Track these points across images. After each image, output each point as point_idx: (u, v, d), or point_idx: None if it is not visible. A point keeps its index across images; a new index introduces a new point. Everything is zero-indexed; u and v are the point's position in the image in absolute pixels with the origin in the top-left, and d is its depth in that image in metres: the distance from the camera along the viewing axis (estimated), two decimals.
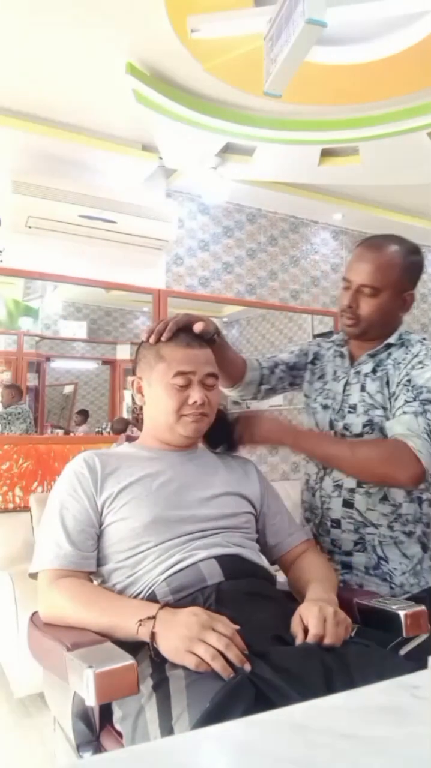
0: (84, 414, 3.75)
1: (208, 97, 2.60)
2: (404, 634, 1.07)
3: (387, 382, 1.33)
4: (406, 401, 1.27)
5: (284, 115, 2.69)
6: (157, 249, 3.33)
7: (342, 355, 1.48)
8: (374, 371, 1.37)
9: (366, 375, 1.38)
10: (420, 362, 1.30)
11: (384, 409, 1.32)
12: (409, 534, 1.34)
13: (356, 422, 1.36)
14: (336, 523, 1.38)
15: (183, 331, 1.24)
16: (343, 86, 2.44)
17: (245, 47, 2.19)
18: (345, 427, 1.37)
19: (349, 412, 1.38)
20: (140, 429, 1.34)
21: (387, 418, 1.30)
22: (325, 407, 1.44)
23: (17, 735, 2.06)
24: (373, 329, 1.38)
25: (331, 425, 1.42)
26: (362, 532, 1.35)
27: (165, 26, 2.15)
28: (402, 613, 1.08)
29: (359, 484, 1.35)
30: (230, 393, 1.57)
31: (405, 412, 1.25)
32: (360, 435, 1.34)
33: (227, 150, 2.96)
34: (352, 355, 1.46)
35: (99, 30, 2.23)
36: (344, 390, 1.41)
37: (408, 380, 1.28)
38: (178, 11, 2.07)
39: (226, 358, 1.43)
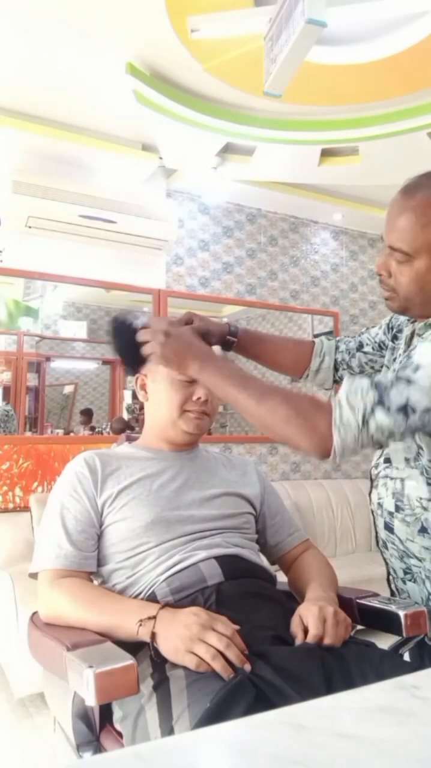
0: (88, 414, 3.74)
1: (208, 97, 2.60)
2: (404, 634, 1.07)
3: None
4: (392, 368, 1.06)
5: (284, 115, 2.69)
6: (157, 249, 3.33)
7: (410, 336, 1.16)
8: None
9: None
10: None
11: None
12: None
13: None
14: (385, 546, 1.22)
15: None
16: (343, 86, 2.44)
17: (245, 47, 2.19)
18: None
19: None
20: (140, 429, 1.34)
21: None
22: None
23: (17, 735, 2.06)
24: (414, 306, 1.07)
25: None
26: (407, 562, 1.16)
27: (165, 26, 2.15)
28: (402, 613, 1.08)
29: (397, 509, 1.14)
30: (302, 383, 1.35)
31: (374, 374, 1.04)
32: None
33: (227, 150, 2.96)
34: (412, 336, 1.16)
35: (99, 30, 2.23)
36: None
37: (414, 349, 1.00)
38: (178, 11, 2.07)
39: (268, 349, 1.27)
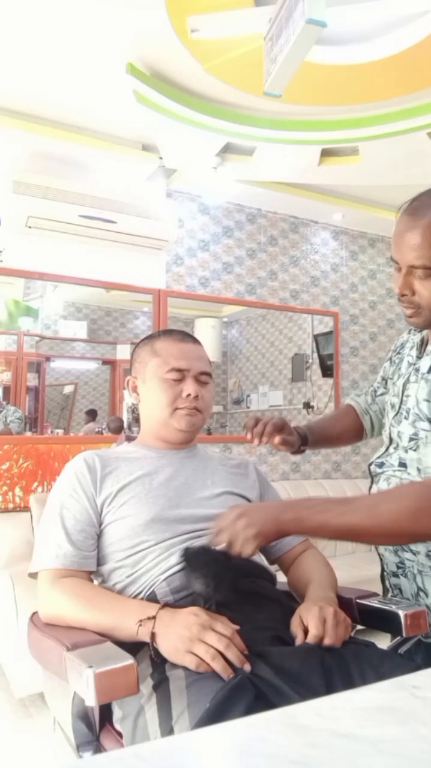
0: (92, 414, 3.73)
1: (208, 97, 2.60)
2: (404, 634, 1.07)
3: None
4: None
5: (284, 115, 2.69)
6: (157, 249, 3.33)
7: (420, 343, 1.20)
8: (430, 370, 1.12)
9: (424, 374, 1.12)
10: None
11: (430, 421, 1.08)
12: None
13: (405, 432, 1.14)
14: None
15: (178, 329, 1.29)
16: (343, 86, 2.44)
17: (245, 47, 2.19)
18: (398, 435, 1.17)
19: (404, 417, 1.15)
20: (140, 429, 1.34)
21: None
22: (392, 406, 1.22)
23: (17, 735, 2.06)
24: None
25: (389, 430, 1.22)
26: (401, 556, 1.18)
27: (165, 26, 2.14)
28: (402, 613, 1.08)
29: None
30: (365, 441, 1.46)
31: None
32: (406, 450, 1.14)
33: (227, 150, 2.96)
34: (425, 343, 1.18)
35: (99, 30, 2.23)
36: (403, 389, 1.18)
37: None
38: (178, 11, 2.07)
39: (335, 437, 1.39)
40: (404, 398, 1.16)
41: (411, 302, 1.08)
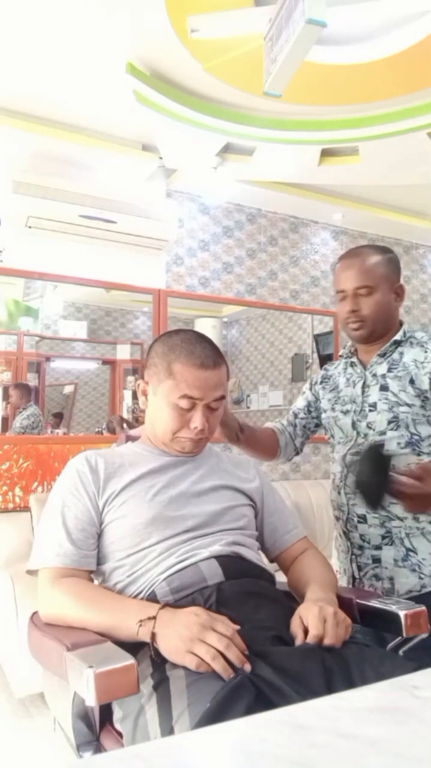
0: (59, 417, 3.70)
1: (208, 97, 2.60)
2: (404, 634, 1.08)
3: (412, 381, 1.41)
4: None
5: (284, 115, 2.69)
6: (157, 249, 3.32)
7: (353, 364, 1.56)
8: (390, 370, 1.45)
9: (384, 375, 1.45)
10: None
11: (409, 406, 1.39)
12: None
13: (379, 419, 1.43)
14: (363, 519, 1.43)
15: (201, 345, 1.19)
16: (343, 86, 2.44)
17: (245, 47, 2.19)
18: (368, 426, 1.44)
19: (370, 410, 1.45)
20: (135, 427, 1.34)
21: (415, 417, 1.38)
22: (346, 412, 1.51)
23: (17, 735, 2.06)
24: (379, 326, 1.47)
25: (353, 426, 1.48)
26: (388, 525, 1.40)
27: (165, 26, 2.14)
28: (402, 613, 1.08)
29: None
30: (277, 461, 1.68)
31: None
32: (383, 432, 1.41)
33: (227, 150, 2.96)
34: (362, 362, 1.54)
35: (99, 30, 2.23)
36: (363, 392, 1.48)
37: None
38: (178, 11, 2.07)
39: (259, 442, 1.58)
40: (364, 398, 1.47)
41: (359, 317, 1.45)
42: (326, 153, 2.97)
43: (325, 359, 4.03)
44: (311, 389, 1.68)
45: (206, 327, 3.95)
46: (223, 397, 1.21)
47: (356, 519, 1.45)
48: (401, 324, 1.52)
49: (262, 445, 1.60)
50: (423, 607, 1.11)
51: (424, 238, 4.40)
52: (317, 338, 4.06)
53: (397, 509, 1.37)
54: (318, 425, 1.67)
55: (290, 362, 4.09)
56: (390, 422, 1.41)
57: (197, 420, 1.16)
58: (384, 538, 1.40)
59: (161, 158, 3.10)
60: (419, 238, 4.38)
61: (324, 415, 1.62)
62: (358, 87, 2.45)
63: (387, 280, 1.45)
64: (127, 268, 3.33)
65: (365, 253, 1.48)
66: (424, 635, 1.11)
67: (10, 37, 2.29)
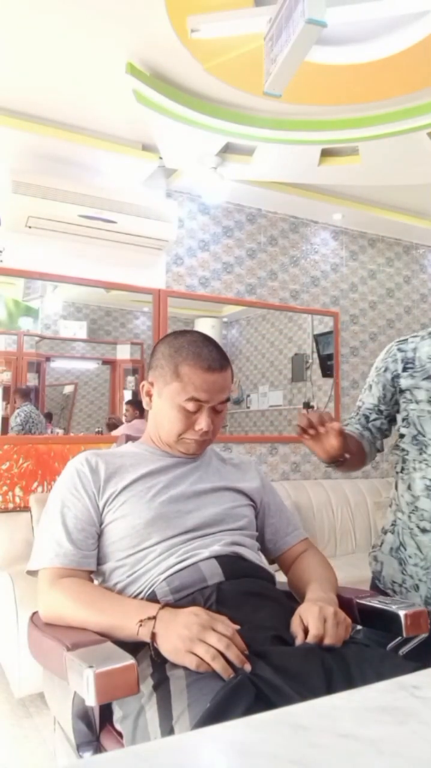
0: (48, 416, 3.70)
1: (208, 97, 2.60)
2: (404, 634, 1.08)
3: None
4: None
5: (284, 115, 2.69)
6: (157, 249, 3.32)
7: None
8: None
9: None
10: None
11: None
12: None
13: None
14: None
15: (208, 347, 1.18)
16: (343, 86, 2.44)
17: (245, 47, 2.19)
18: None
19: None
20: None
21: None
22: None
23: (17, 735, 2.06)
24: None
25: None
26: (396, 515, 1.39)
27: (165, 26, 2.14)
28: (402, 613, 1.08)
29: None
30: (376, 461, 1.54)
31: None
32: None
33: (227, 150, 2.96)
34: None
35: (99, 30, 2.23)
36: None
37: None
38: (178, 11, 2.07)
39: (354, 454, 1.38)
40: None
41: None
42: (326, 153, 2.98)
43: (325, 359, 4.03)
44: (381, 382, 1.44)
45: (206, 327, 3.95)
46: (228, 399, 1.22)
47: (427, 524, 1.34)
48: None
49: (358, 455, 1.42)
50: (424, 607, 1.11)
51: (424, 238, 4.40)
52: (317, 338, 4.06)
53: None
54: (392, 422, 1.47)
55: (290, 362, 4.09)
56: None
57: (202, 422, 1.17)
58: (392, 525, 1.39)
59: (161, 158, 3.10)
60: (419, 238, 4.38)
61: (414, 408, 1.38)
62: (358, 87, 2.45)
63: None
64: (127, 268, 3.33)
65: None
66: (424, 635, 1.11)
67: (11, 37, 2.29)
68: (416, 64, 2.27)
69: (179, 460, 1.24)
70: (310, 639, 0.96)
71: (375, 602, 1.15)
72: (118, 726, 0.96)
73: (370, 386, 1.48)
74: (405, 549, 1.38)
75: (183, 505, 1.17)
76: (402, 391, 1.41)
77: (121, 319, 3.83)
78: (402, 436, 1.43)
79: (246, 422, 4.17)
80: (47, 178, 2.95)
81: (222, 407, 1.21)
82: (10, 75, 2.54)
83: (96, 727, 1.00)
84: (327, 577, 1.19)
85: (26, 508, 2.80)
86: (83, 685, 0.81)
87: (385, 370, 1.44)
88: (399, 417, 1.44)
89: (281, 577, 1.27)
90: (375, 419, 1.46)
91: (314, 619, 0.98)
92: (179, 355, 1.18)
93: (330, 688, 0.85)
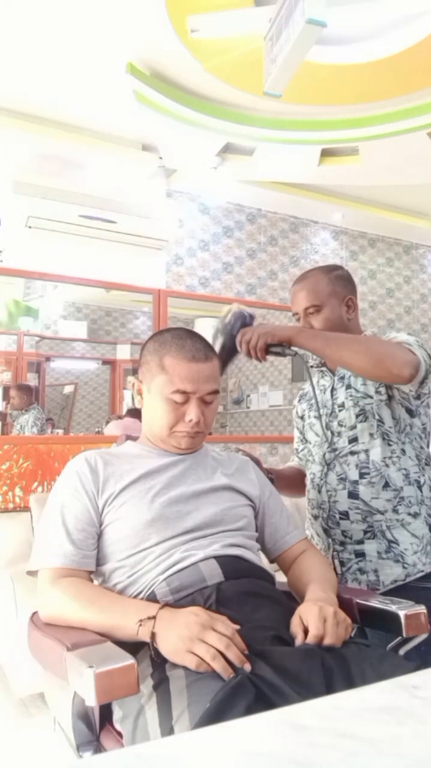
0: (49, 420, 3.72)
1: (208, 97, 2.60)
2: (404, 634, 1.07)
3: None
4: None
5: (284, 115, 2.69)
6: (157, 249, 3.33)
7: (323, 373, 1.64)
8: None
9: (348, 376, 1.54)
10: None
11: (371, 397, 1.47)
12: (415, 515, 1.43)
13: (348, 416, 1.50)
14: (344, 515, 1.46)
15: (191, 339, 1.21)
16: (343, 86, 2.44)
17: (245, 47, 2.19)
18: (340, 423, 1.51)
19: (339, 410, 1.53)
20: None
21: (377, 405, 1.46)
22: (318, 417, 1.59)
23: (17, 735, 2.06)
24: None
25: (327, 427, 1.55)
26: (370, 520, 1.43)
27: (165, 26, 2.15)
28: (402, 613, 1.08)
29: (361, 476, 1.45)
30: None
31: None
32: (354, 426, 1.48)
33: (227, 150, 2.96)
34: (331, 369, 1.62)
35: (99, 30, 2.23)
36: (332, 395, 1.56)
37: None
38: (178, 11, 2.07)
39: (292, 480, 1.65)
40: (334, 400, 1.54)
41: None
42: (326, 153, 2.98)
43: None
44: (297, 416, 1.74)
45: (206, 327, 3.95)
46: (217, 392, 1.22)
47: (338, 516, 1.47)
48: (362, 331, 1.60)
49: (295, 483, 1.67)
50: (423, 608, 1.11)
51: (424, 238, 4.40)
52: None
53: (378, 503, 1.42)
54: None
55: (290, 362, 4.09)
56: (358, 415, 1.48)
57: (191, 412, 1.17)
58: (366, 532, 1.43)
59: (161, 158, 3.10)
60: (419, 238, 4.38)
61: (301, 424, 1.69)
62: (358, 87, 2.45)
63: (335, 295, 1.53)
64: (127, 268, 3.33)
65: (309, 275, 1.58)
66: (424, 635, 1.11)
67: (11, 37, 2.29)
68: (416, 64, 2.27)
69: (177, 459, 1.24)
70: (310, 639, 0.95)
71: (375, 602, 1.15)
72: (118, 726, 0.96)
73: (295, 425, 1.76)
74: (400, 543, 1.45)
75: (183, 505, 1.17)
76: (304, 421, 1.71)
77: (121, 319, 3.84)
78: None
79: (246, 422, 4.17)
80: (47, 178, 2.95)
81: (212, 398, 1.21)
82: (10, 75, 2.54)
83: (96, 727, 1.00)
84: (327, 577, 1.19)
85: (26, 508, 2.80)
86: (83, 685, 0.81)
87: (296, 409, 1.76)
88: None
89: (281, 577, 1.27)
90: (302, 449, 1.71)
91: (314, 619, 0.97)
92: (163, 348, 1.20)
93: (330, 688, 0.85)
